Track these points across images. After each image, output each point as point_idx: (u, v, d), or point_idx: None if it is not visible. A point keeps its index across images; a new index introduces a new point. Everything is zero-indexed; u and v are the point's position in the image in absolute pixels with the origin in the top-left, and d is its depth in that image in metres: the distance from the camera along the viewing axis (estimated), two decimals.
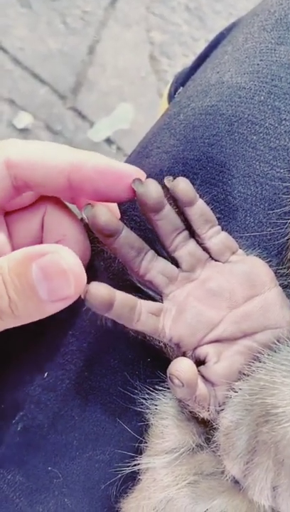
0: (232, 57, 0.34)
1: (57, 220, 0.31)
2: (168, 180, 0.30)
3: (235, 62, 0.34)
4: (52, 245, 0.26)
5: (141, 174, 0.29)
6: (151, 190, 0.28)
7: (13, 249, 0.31)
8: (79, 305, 0.32)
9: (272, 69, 0.32)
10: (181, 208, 0.30)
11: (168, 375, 0.28)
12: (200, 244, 0.30)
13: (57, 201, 0.31)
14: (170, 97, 0.47)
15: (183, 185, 0.29)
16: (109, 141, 1.05)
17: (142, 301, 0.29)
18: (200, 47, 1.11)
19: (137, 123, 1.05)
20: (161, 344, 0.30)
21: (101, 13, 1.10)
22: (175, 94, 0.42)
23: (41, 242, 0.31)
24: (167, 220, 0.29)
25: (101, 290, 0.27)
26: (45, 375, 0.33)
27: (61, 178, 0.28)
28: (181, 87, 0.38)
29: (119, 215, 0.32)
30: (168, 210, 0.29)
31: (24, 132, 1.03)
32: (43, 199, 0.31)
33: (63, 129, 1.04)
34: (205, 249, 0.30)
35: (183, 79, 0.43)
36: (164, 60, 1.11)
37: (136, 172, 0.29)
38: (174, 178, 0.30)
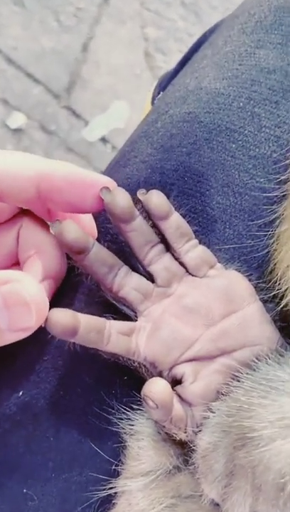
0: (211, 61, 0.33)
1: (32, 233, 0.30)
2: (141, 194, 0.29)
3: (214, 67, 0.32)
4: (16, 273, 0.25)
5: (111, 184, 0.28)
6: (119, 198, 0.27)
7: None
8: None
9: (251, 74, 0.31)
10: (155, 221, 0.29)
11: (142, 396, 0.27)
12: (177, 258, 0.29)
13: (33, 215, 0.30)
14: (153, 100, 0.46)
15: (156, 199, 0.28)
16: (104, 140, 1.04)
17: (111, 321, 0.28)
18: None
19: (132, 121, 1.04)
20: (136, 364, 0.29)
21: (95, 10, 1.08)
22: (157, 97, 0.41)
23: (16, 256, 0.30)
24: (139, 232, 0.28)
25: (62, 317, 0.26)
26: (20, 393, 0.32)
27: (30, 188, 0.27)
28: (162, 92, 0.37)
29: (95, 230, 0.30)
30: (140, 221, 0.28)
31: (18, 132, 1.01)
32: (19, 214, 0.31)
33: (57, 128, 1.03)
34: (182, 264, 0.29)
35: (166, 82, 0.42)
36: (159, 56, 1.10)
37: (107, 181, 0.28)
38: (148, 190, 0.29)
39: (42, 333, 0.31)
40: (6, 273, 0.25)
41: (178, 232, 0.29)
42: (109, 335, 0.27)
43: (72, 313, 0.26)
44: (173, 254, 0.29)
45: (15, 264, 0.31)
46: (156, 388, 0.27)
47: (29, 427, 0.31)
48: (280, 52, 0.31)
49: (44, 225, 0.31)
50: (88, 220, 0.30)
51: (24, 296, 0.24)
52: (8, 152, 0.27)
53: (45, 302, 0.25)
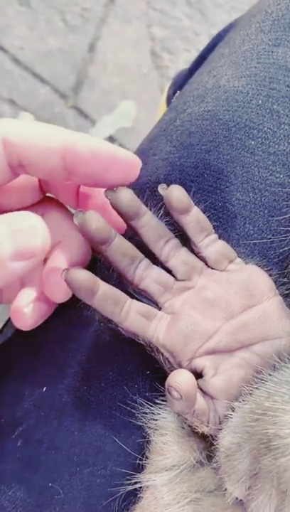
0: (228, 60, 0.33)
1: (56, 221, 0.31)
2: (162, 188, 0.29)
3: (232, 66, 0.33)
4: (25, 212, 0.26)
5: (135, 160, 0.28)
6: (121, 196, 0.28)
7: None
8: (76, 318, 0.31)
9: (270, 71, 0.31)
10: (176, 216, 0.29)
11: (166, 387, 0.27)
12: (196, 253, 0.30)
13: (56, 203, 0.31)
14: (169, 99, 0.46)
15: (176, 193, 0.29)
16: (111, 139, 1.04)
17: (134, 300, 0.29)
18: (202, 41, 1.10)
19: (139, 120, 1.04)
20: (158, 354, 0.29)
21: (101, 10, 1.09)
22: (173, 96, 0.41)
23: None
24: (149, 227, 0.29)
25: (82, 276, 0.27)
26: (44, 389, 0.32)
27: (56, 159, 0.27)
28: (179, 91, 0.37)
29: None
30: (149, 217, 0.29)
31: None
32: (42, 201, 0.31)
33: (65, 128, 1.03)
34: (202, 259, 0.30)
35: (182, 81, 0.42)
36: (166, 55, 1.10)
37: (131, 157, 0.28)
38: (169, 186, 0.29)
39: (65, 330, 0.31)
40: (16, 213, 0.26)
41: (199, 226, 0.29)
42: (127, 311, 0.28)
43: (93, 277, 0.27)
44: (192, 250, 0.30)
45: None
46: (180, 378, 0.27)
47: (53, 422, 0.31)
48: None
49: (68, 213, 0.31)
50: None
51: (30, 220, 0.25)
52: (38, 123, 0.28)
53: (48, 236, 0.26)
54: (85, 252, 0.31)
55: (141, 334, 0.28)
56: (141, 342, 0.29)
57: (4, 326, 0.40)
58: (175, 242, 0.30)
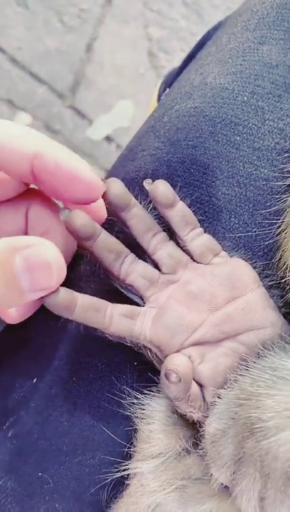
0: (215, 57, 0.34)
1: (41, 213, 0.31)
2: (147, 183, 0.30)
3: (218, 63, 0.33)
4: (37, 238, 0.26)
5: (97, 183, 0.28)
6: (112, 187, 0.29)
7: None
8: None
9: (255, 69, 0.32)
10: (161, 210, 0.30)
11: (163, 372, 0.28)
12: (182, 246, 0.30)
13: (41, 195, 0.31)
14: (160, 97, 0.47)
15: (162, 188, 0.29)
16: (108, 139, 1.05)
17: (114, 304, 0.29)
18: None
19: (136, 120, 1.05)
20: (142, 347, 0.30)
21: (98, 10, 1.09)
22: (163, 94, 0.42)
23: (26, 235, 0.31)
24: (138, 219, 0.29)
25: (58, 293, 0.27)
26: (34, 380, 0.33)
27: (25, 163, 0.27)
28: (168, 88, 0.38)
29: (104, 211, 0.31)
30: (138, 209, 0.29)
31: None
32: (27, 192, 0.31)
33: (62, 128, 1.04)
34: (187, 252, 0.30)
35: (172, 79, 0.43)
36: (162, 55, 1.11)
37: (93, 179, 0.28)
38: (154, 181, 0.30)
39: (54, 321, 0.32)
40: (28, 238, 0.26)
41: (184, 220, 0.30)
42: (110, 316, 0.29)
43: (69, 292, 0.27)
44: (178, 243, 0.30)
45: None
46: (179, 362, 0.28)
47: (43, 412, 0.32)
48: (283, 47, 0.32)
49: (53, 204, 0.31)
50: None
51: (47, 258, 0.25)
52: (13, 125, 0.28)
53: (64, 265, 0.26)
54: (70, 242, 0.31)
55: (128, 335, 0.29)
56: (128, 344, 0.30)
57: None
58: (162, 235, 0.30)
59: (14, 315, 0.31)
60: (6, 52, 1.05)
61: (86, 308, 0.28)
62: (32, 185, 0.32)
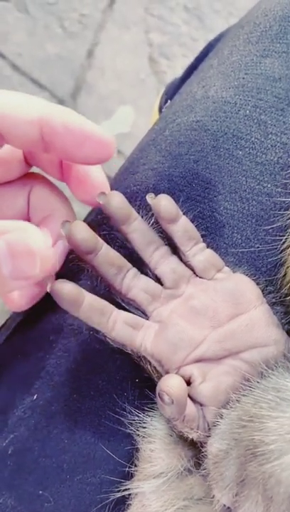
0: (217, 70, 0.33)
1: (43, 197, 0.31)
2: (150, 198, 0.29)
3: (221, 76, 0.33)
4: (23, 223, 0.25)
5: (108, 140, 0.27)
6: (113, 200, 0.28)
7: None
8: (67, 326, 0.32)
9: (257, 82, 0.31)
10: (164, 225, 0.29)
11: (157, 392, 0.27)
12: (185, 261, 0.30)
13: (43, 179, 0.31)
14: (161, 108, 0.46)
15: (164, 203, 0.29)
16: None
17: (120, 311, 0.29)
18: (200, 47, 1.10)
19: (137, 126, 1.05)
20: (142, 359, 0.29)
21: (99, 16, 1.09)
22: (164, 106, 0.41)
23: (28, 219, 0.31)
24: (140, 232, 0.29)
25: (67, 288, 0.27)
26: (35, 397, 0.32)
27: (33, 130, 0.27)
28: (170, 100, 0.38)
29: (107, 187, 0.30)
30: (140, 222, 0.29)
31: None
32: (29, 176, 0.31)
33: None
34: (190, 267, 0.30)
35: (173, 90, 0.43)
36: (163, 61, 1.10)
37: (104, 136, 0.27)
38: (157, 196, 0.30)
39: (55, 336, 0.32)
40: (12, 222, 0.25)
41: (186, 235, 0.29)
42: (114, 321, 0.28)
43: (78, 288, 0.27)
44: (181, 258, 0.30)
45: None
46: (172, 383, 0.27)
47: (44, 430, 0.32)
48: (285, 60, 0.31)
49: (55, 188, 0.31)
50: (100, 178, 0.30)
51: (29, 245, 0.25)
52: (18, 94, 0.27)
53: (50, 254, 0.26)
54: None
55: (129, 344, 0.29)
56: (129, 352, 0.29)
57: None
58: (164, 249, 0.30)
59: (19, 303, 0.30)
60: (7, 58, 1.05)
61: (92, 307, 0.28)
62: (33, 170, 0.32)
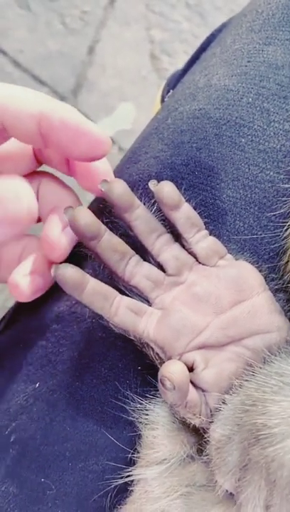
0: (220, 59, 0.33)
1: (51, 189, 0.32)
2: (152, 184, 0.29)
3: (223, 64, 0.33)
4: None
5: (103, 138, 0.28)
6: (115, 187, 0.29)
7: None
8: (69, 314, 0.32)
9: (260, 70, 0.31)
10: (167, 212, 0.29)
11: (159, 377, 0.27)
12: (187, 248, 0.30)
13: (50, 174, 0.32)
14: (163, 99, 0.46)
15: (167, 189, 0.29)
16: (111, 141, 1.04)
17: (123, 296, 0.29)
18: None
19: (139, 122, 1.05)
20: (148, 349, 0.29)
21: (101, 13, 1.09)
22: (167, 96, 0.41)
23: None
24: (142, 220, 0.29)
25: (71, 272, 0.27)
26: (37, 385, 0.32)
27: (32, 124, 0.27)
28: (172, 90, 0.38)
29: (111, 174, 0.31)
30: (142, 210, 0.29)
31: None
32: (37, 172, 0.32)
33: None
34: (192, 254, 0.30)
35: (175, 80, 0.43)
36: (165, 58, 1.10)
37: (99, 133, 0.28)
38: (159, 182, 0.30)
39: (57, 325, 0.32)
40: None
41: (189, 222, 0.29)
42: (117, 306, 0.28)
43: (82, 272, 0.28)
44: (183, 245, 0.30)
45: (37, 221, 0.33)
46: (174, 369, 0.27)
47: (46, 418, 0.32)
48: (288, 48, 0.31)
49: (62, 182, 0.32)
50: (104, 167, 0.31)
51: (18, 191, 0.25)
52: (18, 88, 0.28)
53: (36, 205, 0.26)
54: None
55: (132, 329, 0.29)
56: (132, 338, 0.29)
57: None
58: (167, 237, 0.30)
59: (25, 293, 0.30)
60: (8, 54, 1.05)
61: (95, 292, 0.28)
62: (42, 168, 0.33)
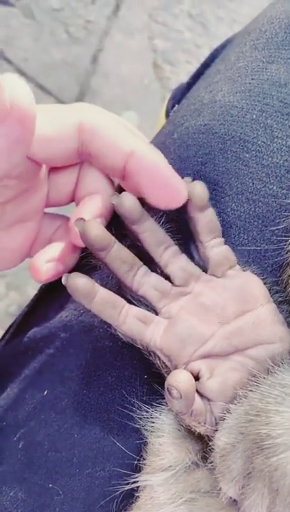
0: (224, 76, 0.34)
1: (90, 175, 0.32)
2: (186, 181, 0.30)
3: (227, 81, 0.34)
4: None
5: (183, 192, 0.29)
6: (125, 201, 0.29)
7: (48, 200, 0.33)
8: (78, 323, 0.32)
9: (264, 87, 0.32)
10: (191, 212, 0.30)
11: (166, 386, 0.28)
12: (201, 252, 0.31)
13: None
14: (168, 112, 0.47)
15: (199, 188, 0.30)
16: None
17: (131, 306, 0.30)
18: (203, 53, 1.12)
19: (142, 131, 1.05)
20: (151, 354, 0.30)
21: (104, 22, 1.10)
22: (172, 110, 0.42)
23: (74, 196, 0.33)
24: (151, 232, 0.30)
25: (81, 281, 0.28)
26: (45, 392, 0.33)
27: (120, 160, 0.28)
28: (177, 105, 0.39)
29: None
30: (151, 223, 0.30)
31: None
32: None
33: None
34: (205, 259, 0.31)
35: (180, 95, 0.44)
36: (167, 67, 1.12)
37: (181, 187, 0.29)
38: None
39: (65, 333, 0.32)
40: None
41: (209, 226, 0.30)
42: (125, 315, 0.29)
43: (92, 281, 0.29)
44: (197, 248, 0.31)
45: (71, 201, 0.33)
46: (180, 378, 0.28)
47: (54, 424, 0.32)
48: None
49: (101, 172, 0.33)
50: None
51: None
52: (115, 118, 0.29)
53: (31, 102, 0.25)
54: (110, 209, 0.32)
55: (139, 338, 0.29)
56: (139, 346, 0.30)
57: (6, 333, 0.41)
58: (174, 248, 0.31)
59: (43, 278, 0.32)
60: (13, 63, 1.07)
61: (104, 301, 0.29)
62: None
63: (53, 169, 0.33)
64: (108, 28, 1.11)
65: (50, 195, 0.33)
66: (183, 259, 0.31)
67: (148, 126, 1.05)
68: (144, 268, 0.30)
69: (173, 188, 0.29)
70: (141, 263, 0.30)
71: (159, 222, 0.31)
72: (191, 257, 0.31)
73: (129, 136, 0.28)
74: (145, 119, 1.06)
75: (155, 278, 0.30)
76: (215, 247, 0.31)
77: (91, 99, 1.07)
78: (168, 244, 0.31)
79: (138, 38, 1.11)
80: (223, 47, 0.40)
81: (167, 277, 0.31)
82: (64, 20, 1.09)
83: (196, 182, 0.30)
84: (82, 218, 0.29)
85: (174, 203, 0.29)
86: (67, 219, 0.34)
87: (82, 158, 0.30)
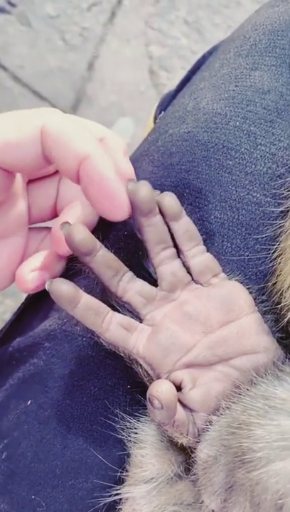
0: (208, 83, 0.34)
1: (70, 186, 0.33)
2: (155, 193, 0.30)
3: (211, 89, 0.34)
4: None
5: (126, 207, 0.28)
6: (141, 190, 0.29)
7: (31, 216, 0.33)
8: (61, 332, 0.32)
9: (247, 94, 0.32)
10: (167, 222, 0.30)
11: (147, 396, 0.28)
12: (183, 262, 0.30)
13: None
14: (156, 119, 0.47)
15: (168, 199, 0.30)
16: None
17: (115, 313, 0.29)
18: None
19: (137, 137, 1.06)
20: (137, 366, 0.30)
21: (100, 29, 1.11)
22: (159, 117, 0.42)
23: (55, 206, 0.34)
24: (155, 229, 0.30)
25: (65, 288, 0.28)
26: (28, 402, 0.33)
27: (74, 163, 0.28)
28: (163, 112, 0.38)
29: (132, 172, 0.31)
30: (159, 220, 0.30)
31: None
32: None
33: None
34: (187, 268, 0.30)
35: (168, 102, 0.44)
36: (163, 73, 1.12)
37: (124, 201, 0.28)
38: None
39: (48, 345, 0.32)
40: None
41: (187, 235, 0.30)
42: (109, 322, 0.29)
43: (76, 287, 0.28)
44: (180, 258, 0.31)
45: (55, 217, 0.34)
46: (162, 388, 0.28)
47: (37, 435, 0.32)
48: (274, 73, 0.32)
49: None
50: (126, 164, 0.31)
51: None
52: (79, 122, 0.29)
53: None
54: (94, 215, 0.32)
55: (122, 345, 0.29)
56: (122, 354, 0.30)
57: None
58: (172, 251, 0.30)
59: (29, 287, 0.32)
60: (8, 69, 1.07)
61: (88, 307, 0.28)
62: None
63: (31, 182, 0.33)
64: (104, 34, 1.11)
65: (32, 210, 0.33)
66: (176, 264, 0.30)
67: (143, 132, 1.04)
68: (130, 274, 0.30)
69: (116, 202, 0.28)
70: (127, 269, 0.30)
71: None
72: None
73: (89, 141, 0.28)
74: (141, 125, 1.06)
75: (140, 284, 0.30)
76: (196, 256, 0.30)
77: (87, 105, 1.07)
78: (167, 245, 0.30)
79: (134, 44, 1.11)
80: (210, 53, 0.40)
81: (154, 280, 0.30)
82: (60, 27, 1.10)
83: (165, 193, 0.30)
84: (67, 222, 0.29)
85: (117, 216, 0.28)
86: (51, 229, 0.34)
87: (50, 164, 0.30)
